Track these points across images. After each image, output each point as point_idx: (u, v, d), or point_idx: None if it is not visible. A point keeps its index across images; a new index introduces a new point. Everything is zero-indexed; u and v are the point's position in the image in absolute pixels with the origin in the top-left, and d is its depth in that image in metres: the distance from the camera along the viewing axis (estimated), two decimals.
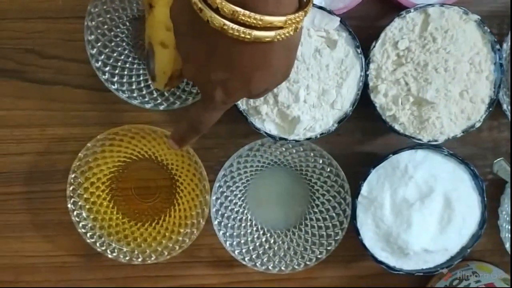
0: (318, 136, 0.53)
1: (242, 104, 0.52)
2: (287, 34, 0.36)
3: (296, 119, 0.52)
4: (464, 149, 0.60)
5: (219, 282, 0.63)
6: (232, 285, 0.63)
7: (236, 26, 0.34)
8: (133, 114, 0.58)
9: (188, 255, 0.61)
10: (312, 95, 0.52)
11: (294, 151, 0.57)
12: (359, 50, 0.52)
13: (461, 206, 0.53)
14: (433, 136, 0.53)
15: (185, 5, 0.37)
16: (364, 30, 0.54)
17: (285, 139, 0.53)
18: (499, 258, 0.61)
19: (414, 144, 0.54)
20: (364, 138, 0.61)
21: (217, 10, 0.34)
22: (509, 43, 0.54)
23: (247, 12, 0.33)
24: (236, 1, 0.34)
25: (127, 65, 0.55)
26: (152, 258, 0.56)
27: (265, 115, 0.52)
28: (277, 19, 0.34)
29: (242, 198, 0.60)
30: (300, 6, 0.37)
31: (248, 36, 0.34)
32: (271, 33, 0.35)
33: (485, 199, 0.54)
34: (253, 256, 0.58)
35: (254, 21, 0.34)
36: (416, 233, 0.53)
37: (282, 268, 0.57)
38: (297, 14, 0.35)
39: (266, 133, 0.53)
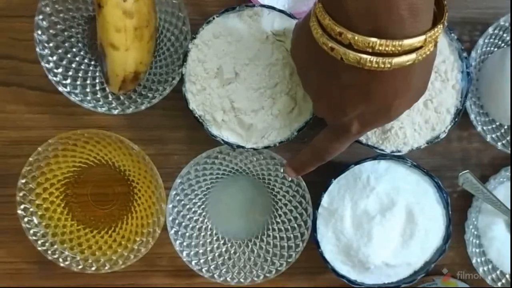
0: (277, 144, 0.51)
1: (198, 110, 0.50)
2: (427, 52, 0.33)
3: (253, 127, 0.50)
4: (432, 160, 0.58)
5: None
6: None
7: (373, 58, 0.32)
8: (89, 117, 0.56)
9: (148, 264, 0.60)
10: (270, 103, 0.50)
11: (255, 159, 0.55)
12: None
13: (424, 220, 0.51)
14: (396, 147, 0.51)
15: (309, 45, 0.36)
16: None
17: (243, 147, 0.51)
18: (467, 273, 0.59)
19: (377, 154, 0.52)
20: None
21: (349, 46, 0.32)
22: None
23: (383, 41, 0.31)
24: (367, 30, 0.31)
25: (82, 67, 0.53)
26: (106, 267, 0.54)
27: (221, 122, 0.50)
28: (416, 40, 0.32)
29: (202, 207, 0.58)
30: (435, 18, 0.34)
31: (388, 65, 0.32)
32: (411, 56, 0.32)
33: (450, 212, 0.52)
34: (211, 267, 0.56)
35: (393, 48, 0.31)
36: (377, 247, 0.51)
37: (241, 280, 0.56)
38: (435, 29, 0.32)
39: (223, 140, 0.51)
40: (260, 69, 0.49)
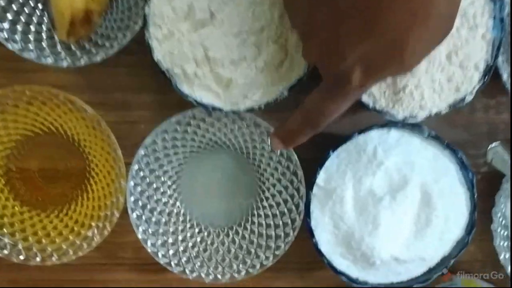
0: (263, 106, 0.41)
1: (164, 62, 0.40)
2: None
3: (233, 83, 0.40)
4: (452, 134, 0.48)
5: None
6: None
7: None
8: (36, 75, 0.46)
9: (108, 256, 0.50)
10: (253, 52, 0.40)
11: (236, 127, 0.45)
12: None
13: (444, 204, 0.41)
14: (411, 112, 0.41)
15: None
16: None
17: (220, 110, 0.41)
18: (491, 271, 0.49)
19: (386, 121, 0.42)
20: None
21: None
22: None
23: None
24: None
25: (25, 9, 0.43)
26: (54, 258, 0.45)
27: (193, 77, 0.40)
28: None
29: (173, 187, 0.48)
30: None
31: None
32: None
33: (476, 195, 0.42)
34: (182, 260, 0.46)
35: None
36: (385, 237, 0.41)
37: (218, 276, 0.46)
38: None
39: (196, 101, 0.41)
40: (242, 9, 0.39)
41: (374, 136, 0.42)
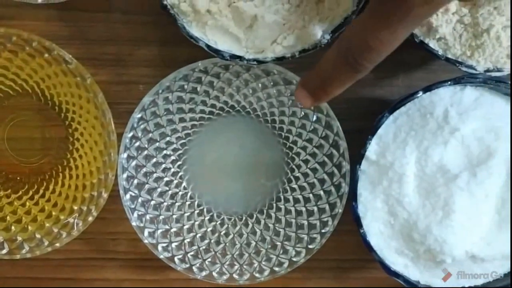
0: (297, 54, 0.31)
1: None
2: None
3: (259, 22, 0.30)
4: None
5: None
6: None
7: None
8: (12, 22, 0.37)
9: (98, 249, 0.41)
10: None
11: (260, 85, 0.36)
12: None
13: None
14: (496, 63, 0.32)
15: None
16: None
17: (241, 58, 0.31)
18: None
19: (461, 76, 0.32)
20: (380, 73, 0.38)
21: None
22: None
23: None
24: None
25: None
26: (24, 251, 0.36)
27: (206, 15, 0.31)
28: None
29: (178, 163, 0.38)
30: None
31: None
32: None
33: None
34: (189, 255, 0.37)
35: None
36: (460, 228, 0.32)
37: (235, 276, 0.37)
38: None
39: (208, 46, 0.31)
40: None
41: (445, 95, 0.33)
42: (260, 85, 0.35)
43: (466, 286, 0.34)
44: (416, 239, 0.32)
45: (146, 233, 0.35)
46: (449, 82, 0.32)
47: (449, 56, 0.31)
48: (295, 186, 0.38)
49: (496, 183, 0.32)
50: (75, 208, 0.36)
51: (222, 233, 0.38)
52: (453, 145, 0.32)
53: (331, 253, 0.38)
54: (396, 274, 0.34)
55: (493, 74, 0.32)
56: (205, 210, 0.39)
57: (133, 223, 0.35)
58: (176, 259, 0.36)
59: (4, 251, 0.35)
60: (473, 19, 0.31)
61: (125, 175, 0.35)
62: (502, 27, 0.30)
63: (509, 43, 0.31)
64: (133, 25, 0.38)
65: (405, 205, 0.32)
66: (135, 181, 0.36)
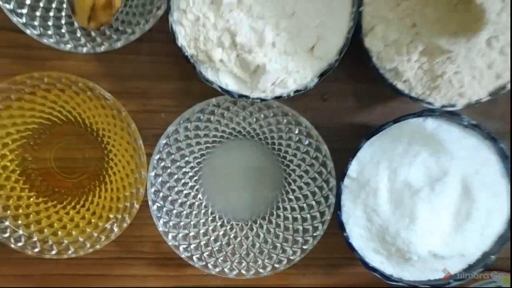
0: (292, 94, 0.39)
1: (189, 47, 0.38)
2: None
3: (261, 69, 0.38)
4: (488, 125, 0.45)
5: (165, 286, 0.49)
6: None
7: None
8: (56, 63, 0.45)
9: (126, 250, 0.49)
10: (283, 37, 0.38)
11: (262, 116, 0.43)
12: None
13: (485, 197, 0.39)
14: (449, 100, 0.39)
15: None
16: None
17: (247, 97, 0.39)
18: None
19: (422, 110, 0.39)
20: (359, 103, 0.46)
21: None
22: None
23: None
24: None
25: None
26: (70, 251, 0.43)
27: (219, 63, 0.38)
28: None
29: (195, 178, 0.46)
30: None
31: None
32: None
33: None
34: (205, 254, 0.44)
35: None
36: (422, 231, 0.39)
37: (243, 271, 0.44)
38: None
39: (221, 87, 0.39)
40: None
41: (411, 125, 0.40)
42: (262, 115, 0.43)
43: (431, 278, 0.42)
44: (389, 241, 0.39)
45: (170, 237, 0.43)
46: (413, 115, 0.40)
47: (413, 95, 0.39)
48: (291, 197, 0.45)
49: (451, 195, 0.39)
50: (111, 216, 0.43)
51: (231, 236, 0.46)
52: (416, 166, 0.39)
53: (321, 252, 0.44)
54: (374, 269, 0.41)
55: (448, 108, 0.39)
56: (217, 217, 0.46)
57: (159, 228, 0.42)
58: (194, 257, 0.43)
59: (53, 252, 0.43)
60: (430, 66, 0.38)
61: (152, 189, 0.42)
62: (453, 73, 0.38)
63: (460, 85, 0.38)
64: (156, 64, 0.45)
65: (379, 214, 0.39)
66: (161, 194, 0.43)
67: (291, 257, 0.43)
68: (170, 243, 0.43)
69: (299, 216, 0.45)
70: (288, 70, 0.38)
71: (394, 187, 0.39)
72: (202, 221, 0.46)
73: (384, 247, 0.40)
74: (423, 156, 0.39)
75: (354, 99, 0.46)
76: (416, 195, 0.39)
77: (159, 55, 0.45)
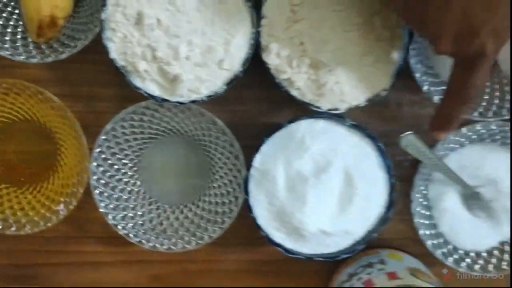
0: (205, 98, 0.47)
1: (119, 60, 0.46)
2: None
3: (178, 78, 0.46)
4: (382, 125, 0.54)
5: (114, 260, 0.57)
6: (128, 264, 0.57)
7: None
8: (15, 70, 0.52)
9: (79, 229, 0.57)
10: (196, 52, 0.46)
11: (184, 116, 0.51)
12: (250, 4, 0.46)
13: (364, 184, 0.47)
14: (333, 104, 0.47)
15: None
16: None
17: (168, 101, 0.47)
18: (418, 247, 0.54)
19: (313, 112, 0.48)
20: (270, 106, 0.54)
21: None
22: None
23: None
24: None
25: (4, 14, 0.50)
26: (27, 228, 0.51)
27: (144, 73, 0.46)
28: None
29: (134, 168, 0.54)
30: None
31: None
32: None
33: (392, 178, 0.48)
34: (140, 232, 0.52)
35: None
36: (312, 212, 0.47)
37: (172, 246, 0.52)
38: None
39: (147, 93, 0.47)
40: (184, 16, 0.45)
41: (303, 125, 0.48)
42: (184, 116, 0.51)
43: (325, 252, 0.50)
44: (286, 220, 0.47)
45: (110, 217, 0.51)
46: (305, 117, 0.48)
47: (305, 100, 0.47)
48: (215, 185, 0.54)
49: (335, 183, 0.46)
50: (61, 199, 0.52)
51: (164, 217, 0.54)
52: (306, 159, 0.46)
53: (240, 232, 0.53)
54: (277, 244, 0.48)
55: (333, 112, 0.47)
56: (153, 201, 0.55)
57: (101, 210, 0.51)
58: (131, 234, 0.51)
59: (13, 229, 0.51)
60: (316, 77, 0.46)
61: (94, 177, 0.50)
62: (334, 83, 0.46)
63: (340, 92, 0.46)
64: (100, 72, 0.53)
65: (278, 198, 0.47)
66: (102, 181, 0.51)
67: (212, 235, 0.51)
68: (110, 222, 0.51)
69: (219, 201, 0.53)
70: (201, 79, 0.46)
71: (289, 175, 0.47)
72: (139, 204, 0.54)
73: (283, 225, 0.48)
74: (312, 150, 0.47)
75: (265, 103, 0.54)
76: (305, 183, 0.47)
77: (102, 64, 0.52)
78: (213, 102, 0.48)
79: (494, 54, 0.36)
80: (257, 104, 0.55)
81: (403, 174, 0.54)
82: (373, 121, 0.55)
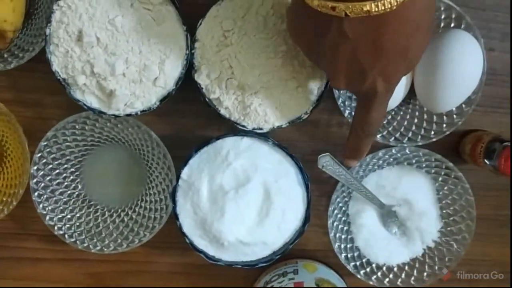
0: (139, 113, 0.51)
1: (61, 73, 0.50)
2: None
3: (113, 93, 0.50)
4: (313, 143, 0.58)
5: (52, 258, 0.61)
6: (66, 261, 0.61)
7: (377, 1, 0.32)
8: None
9: (22, 227, 0.61)
10: (132, 70, 0.49)
11: (122, 127, 0.55)
12: (185, 27, 0.50)
13: (282, 199, 0.51)
14: (258, 124, 0.51)
15: (308, 21, 0.37)
16: (201, 7, 0.51)
17: (104, 113, 0.51)
18: (337, 259, 0.58)
19: (239, 130, 0.52)
20: (206, 121, 0.58)
21: None
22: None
23: None
24: None
25: None
26: None
27: (84, 86, 0.50)
28: None
29: (76, 173, 0.58)
30: None
31: (395, 3, 0.32)
32: None
33: (310, 195, 0.52)
34: (76, 233, 0.56)
35: None
36: (230, 223, 0.50)
37: (104, 248, 0.56)
38: None
39: (85, 105, 0.50)
40: (122, 35, 0.49)
41: (229, 141, 0.52)
42: (123, 127, 0.55)
43: (244, 260, 0.54)
44: (207, 229, 0.51)
45: (47, 218, 0.55)
46: (231, 134, 0.52)
47: (231, 119, 0.51)
48: (151, 192, 0.58)
49: (254, 198, 0.50)
50: (4, 199, 0.56)
51: (102, 220, 0.58)
52: (228, 173, 0.50)
53: (174, 237, 0.56)
54: (200, 251, 0.52)
55: (257, 131, 0.51)
56: (93, 205, 0.58)
57: (38, 211, 0.54)
58: (66, 235, 0.55)
59: None
60: (242, 99, 0.50)
61: (34, 180, 0.54)
62: (258, 105, 0.50)
63: (264, 114, 0.50)
64: (49, 81, 0.54)
65: (201, 208, 0.51)
66: (42, 184, 0.55)
67: (142, 239, 0.55)
68: (47, 223, 0.55)
69: (153, 207, 0.57)
70: (136, 95, 0.50)
71: (212, 188, 0.51)
72: (78, 207, 0.57)
73: (206, 234, 0.52)
74: (233, 166, 0.51)
75: (202, 118, 0.58)
76: (226, 196, 0.50)
77: (52, 73, 0.55)
78: (154, 113, 0.52)
79: (387, 92, 0.40)
80: (195, 118, 0.58)
81: (329, 190, 0.59)
82: (304, 139, 0.59)
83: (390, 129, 0.55)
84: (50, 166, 0.56)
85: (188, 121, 0.58)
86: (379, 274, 0.57)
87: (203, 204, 0.51)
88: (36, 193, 0.54)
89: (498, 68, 0.57)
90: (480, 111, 0.57)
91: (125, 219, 0.58)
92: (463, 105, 0.53)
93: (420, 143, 0.55)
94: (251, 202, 0.51)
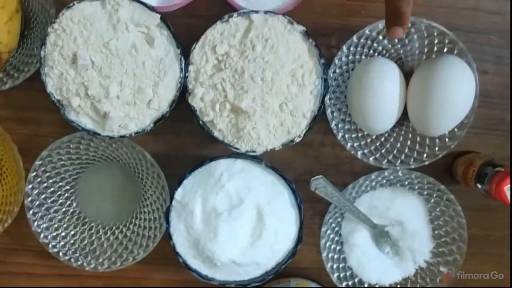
0: (133, 134, 0.51)
1: (56, 94, 0.50)
2: None
3: (107, 115, 0.50)
4: (306, 163, 0.59)
5: (48, 273, 0.62)
6: (61, 277, 0.61)
7: None
8: None
9: (18, 243, 0.61)
10: (126, 92, 0.50)
11: (117, 146, 0.55)
12: (179, 51, 0.50)
13: (274, 221, 0.51)
14: (251, 147, 0.51)
15: None
16: (196, 30, 0.52)
17: (99, 134, 0.51)
18: (326, 278, 0.59)
19: (233, 152, 0.52)
20: (202, 140, 0.59)
21: None
22: None
23: None
24: None
25: None
26: None
27: (78, 108, 0.50)
28: None
29: (71, 191, 0.58)
30: None
31: None
32: None
33: (302, 216, 0.53)
34: (70, 251, 0.56)
35: None
36: (223, 244, 0.51)
37: (98, 266, 0.56)
38: None
39: (79, 126, 0.51)
40: (116, 58, 0.49)
41: (223, 163, 0.52)
42: (116, 147, 0.55)
43: (237, 279, 0.54)
44: (201, 250, 0.51)
45: (42, 236, 0.55)
46: (225, 156, 0.52)
47: (225, 141, 0.51)
48: (146, 210, 0.58)
49: (247, 219, 0.51)
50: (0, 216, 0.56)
51: (96, 238, 0.58)
52: (221, 195, 0.50)
53: (167, 253, 0.55)
54: (193, 270, 0.52)
55: (250, 153, 0.51)
56: (88, 222, 0.59)
57: (33, 228, 0.55)
58: (60, 253, 0.56)
59: None
60: (236, 121, 0.50)
61: (29, 199, 0.54)
62: (251, 128, 0.50)
63: (257, 137, 0.51)
64: (45, 99, 0.56)
65: (194, 229, 0.51)
66: (37, 202, 0.55)
67: (136, 257, 0.56)
68: (41, 241, 0.55)
69: (147, 225, 0.57)
70: (130, 116, 0.50)
71: (205, 210, 0.51)
72: (73, 224, 0.58)
73: (199, 254, 0.52)
74: (226, 188, 0.51)
75: (198, 137, 0.58)
76: (219, 217, 0.51)
77: (46, 92, 0.56)
78: (149, 132, 0.52)
79: None
80: (191, 137, 0.59)
81: (323, 210, 0.59)
82: (297, 159, 0.59)
83: (383, 151, 0.56)
84: (45, 184, 0.56)
85: (183, 140, 0.59)
86: None
87: (197, 226, 0.52)
88: (30, 211, 0.55)
89: (491, 91, 0.57)
90: (472, 132, 0.57)
91: (120, 237, 0.58)
92: (456, 129, 0.53)
93: (412, 166, 0.55)
94: (244, 224, 0.52)
